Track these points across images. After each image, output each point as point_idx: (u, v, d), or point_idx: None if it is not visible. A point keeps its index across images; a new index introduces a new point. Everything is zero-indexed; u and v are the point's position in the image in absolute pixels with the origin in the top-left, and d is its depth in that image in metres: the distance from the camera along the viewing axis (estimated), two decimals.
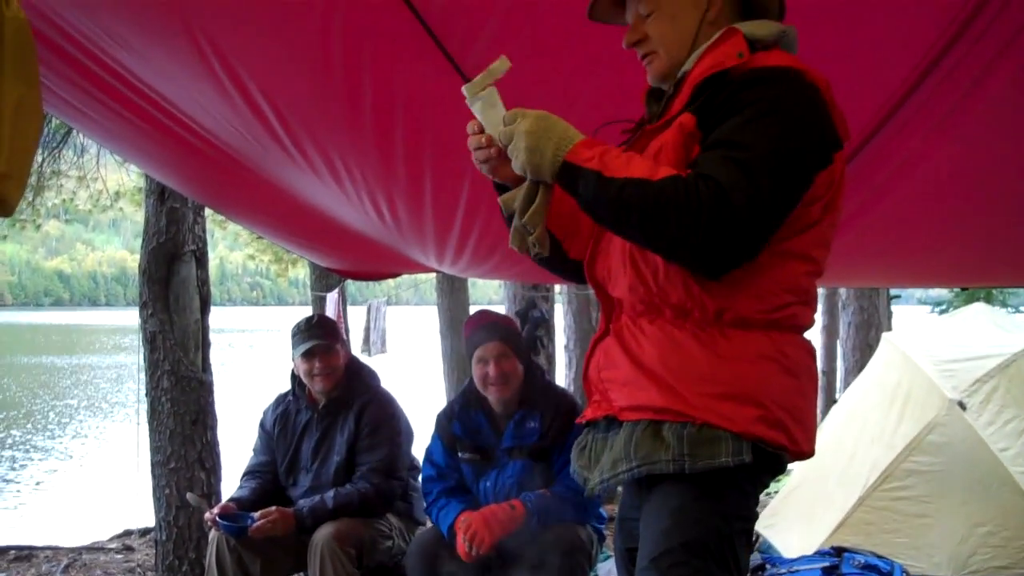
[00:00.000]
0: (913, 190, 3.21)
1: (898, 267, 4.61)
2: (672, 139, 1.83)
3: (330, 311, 6.62)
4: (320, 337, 4.08)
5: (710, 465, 1.79)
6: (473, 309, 7.18)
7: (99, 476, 12.20)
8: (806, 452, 1.90)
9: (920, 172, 3.05)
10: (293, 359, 4.16)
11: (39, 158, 9.37)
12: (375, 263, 5.39)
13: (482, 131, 1.89)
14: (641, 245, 1.83)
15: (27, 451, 14.85)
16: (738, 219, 1.67)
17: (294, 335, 4.17)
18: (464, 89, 1.88)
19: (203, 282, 5.39)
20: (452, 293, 10.23)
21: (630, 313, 1.95)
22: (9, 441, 15.80)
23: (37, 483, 12.23)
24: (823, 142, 1.81)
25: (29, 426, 17.49)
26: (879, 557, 4.27)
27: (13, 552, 6.58)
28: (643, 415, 1.86)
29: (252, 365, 27.91)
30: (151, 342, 5.26)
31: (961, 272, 4.74)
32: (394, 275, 6.02)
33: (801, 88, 1.79)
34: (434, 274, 8.17)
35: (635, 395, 1.89)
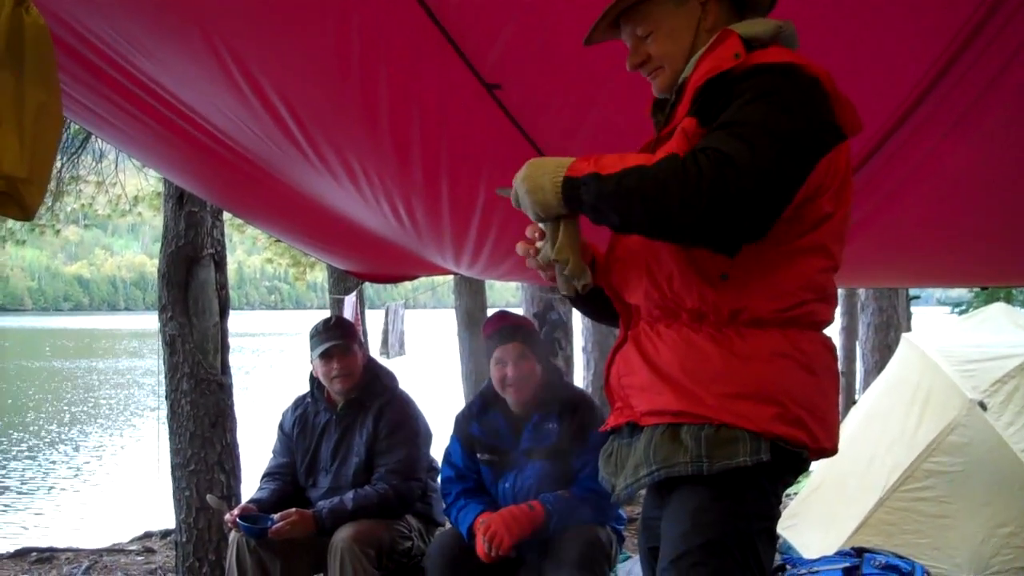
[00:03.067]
0: (930, 191, 3.19)
1: (916, 267, 4.59)
2: (677, 145, 1.82)
3: (348, 314, 6.63)
4: (338, 338, 4.09)
5: (727, 465, 1.79)
6: (491, 311, 7.17)
7: (120, 479, 12.26)
8: (828, 449, 1.89)
9: (936, 173, 3.04)
10: (312, 361, 4.18)
11: (58, 164, 9.44)
12: (393, 265, 5.40)
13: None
14: (650, 233, 1.79)
15: (48, 454, 14.92)
16: (742, 180, 1.64)
17: (312, 337, 4.18)
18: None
19: (222, 286, 5.41)
20: (470, 295, 10.20)
21: (647, 319, 1.95)
22: (32, 443, 15.89)
23: (52, 487, 12.29)
24: (819, 126, 1.77)
25: (51, 430, 17.58)
26: (900, 558, 4.26)
27: (35, 554, 6.63)
28: (662, 419, 1.87)
29: (272, 368, 28.00)
30: (171, 345, 5.29)
31: (980, 272, 4.71)
32: (412, 277, 6.02)
33: (798, 78, 1.78)
34: (452, 276, 8.19)
35: (653, 400, 1.89)
